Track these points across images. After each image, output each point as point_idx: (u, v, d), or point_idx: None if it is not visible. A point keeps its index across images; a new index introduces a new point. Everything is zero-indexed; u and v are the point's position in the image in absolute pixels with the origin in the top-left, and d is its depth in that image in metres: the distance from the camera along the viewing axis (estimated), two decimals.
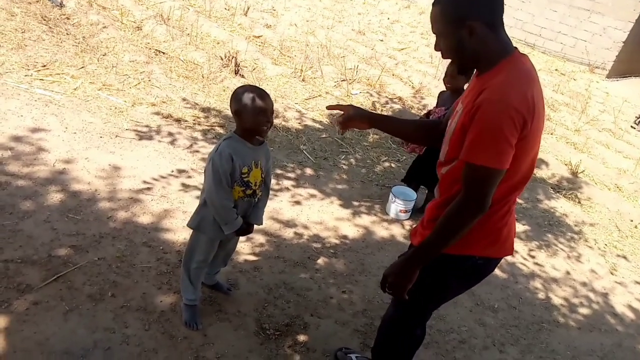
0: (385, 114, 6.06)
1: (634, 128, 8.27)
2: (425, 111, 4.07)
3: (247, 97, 2.15)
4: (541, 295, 3.68)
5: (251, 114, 2.15)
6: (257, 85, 5.62)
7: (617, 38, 11.10)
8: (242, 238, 3.24)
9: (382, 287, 1.88)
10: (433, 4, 1.66)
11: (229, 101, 2.24)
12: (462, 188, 1.65)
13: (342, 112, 2.05)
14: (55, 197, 3.21)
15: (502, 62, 1.63)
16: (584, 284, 3.96)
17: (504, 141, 1.53)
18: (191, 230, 2.44)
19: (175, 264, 2.92)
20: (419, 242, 1.83)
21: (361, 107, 2.14)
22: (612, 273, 4.23)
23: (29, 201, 3.11)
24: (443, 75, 3.39)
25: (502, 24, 1.67)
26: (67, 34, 5.49)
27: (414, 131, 2.19)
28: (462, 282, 1.97)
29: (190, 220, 2.40)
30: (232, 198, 2.26)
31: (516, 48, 1.69)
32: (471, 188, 1.62)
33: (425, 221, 1.90)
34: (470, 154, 1.59)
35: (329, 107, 2.12)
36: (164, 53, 5.91)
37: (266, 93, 2.20)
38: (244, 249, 3.25)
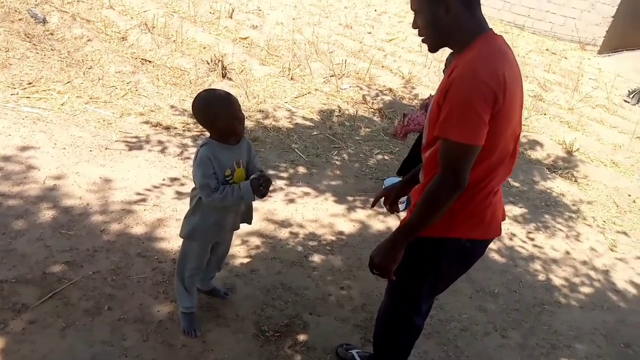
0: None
1: (628, 102, 8.24)
2: (426, 97, 4.05)
3: (211, 106, 2.13)
4: (541, 277, 3.67)
5: (223, 120, 2.13)
6: (244, 86, 5.62)
7: (606, 13, 11.05)
8: (236, 241, 3.24)
9: (370, 268, 1.90)
10: None
11: (194, 115, 2.22)
12: (439, 165, 1.66)
13: (384, 199, 2.26)
14: (47, 214, 3.21)
15: (476, 41, 1.66)
16: (584, 263, 3.95)
17: (475, 116, 1.55)
18: None
19: (171, 273, 2.91)
20: None
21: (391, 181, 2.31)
22: (612, 250, 4.22)
23: (21, 220, 3.10)
24: (443, 67, 3.41)
25: (479, 4, 1.70)
26: (52, 50, 5.48)
27: None
28: (452, 266, 1.96)
29: (181, 229, 2.40)
30: (227, 188, 2.21)
31: (491, 29, 1.71)
32: (447, 164, 1.64)
33: (413, 206, 1.90)
34: (442, 130, 1.61)
35: (373, 205, 2.35)
36: (150, 62, 5.90)
37: (226, 93, 2.18)
38: (240, 252, 3.24)
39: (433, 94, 3.90)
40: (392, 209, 2.25)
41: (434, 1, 1.64)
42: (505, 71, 1.59)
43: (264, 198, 2.41)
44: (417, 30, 1.76)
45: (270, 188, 3.89)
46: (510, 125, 1.70)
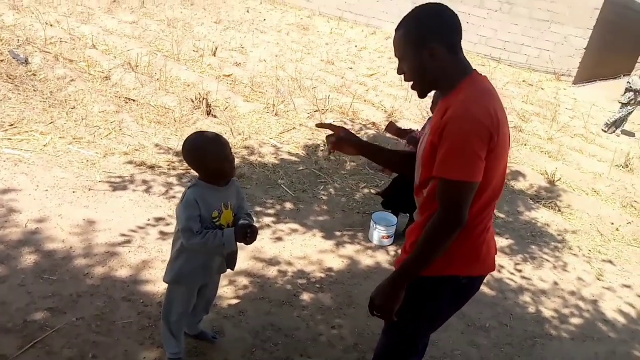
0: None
1: (605, 131, 8.44)
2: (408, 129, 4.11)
3: (202, 149, 2.13)
4: (531, 308, 3.66)
5: (213, 163, 2.13)
6: (229, 123, 5.64)
7: (578, 45, 11.43)
8: (223, 282, 3.19)
9: (369, 310, 1.87)
10: (396, 30, 1.76)
11: (184, 157, 2.22)
12: (438, 204, 1.68)
13: (334, 132, 2.09)
14: (28, 258, 3.13)
15: (462, 83, 1.71)
16: (572, 293, 3.96)
17: (473, 154, 1.59)
18: None
19: (157, 317, 2.83)
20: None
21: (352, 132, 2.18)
22: (599, 279, 4.24)
23: (1, 266, 3.01)
24: (430, 104, 3.49)
25: (461, 47, 1.75)
26: (34, 90, 5.45)
27: (401, 160, 2.21)
28: (450, 304, 1.96)
29: (165, 274, 2.35)
30: (208, 233, 2.18)
31: (475, 70, 1.75)
32: (447, 203, 1.66)
33: (407, 245, 1.91)
34: (442, 169, 1.63)
35: (319, 125, 2.16)
36: (134, 100, 5.90)
37: (217, 135, 2.18)
38: (227, 293, 3.18)
39: (416, 128, 3.96)
40: (332, 148, 2.10)
41: (418, 47, 1.68)
42: (496, 109, 1.65)
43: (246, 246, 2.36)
44: (402, 74, 1.79)
45: (257, 225, 3.87)
46: (503, 161, 1.74)
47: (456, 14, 1.72)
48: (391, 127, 3.89)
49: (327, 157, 4.72)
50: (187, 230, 2.13)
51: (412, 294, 1.80)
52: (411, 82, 1.80)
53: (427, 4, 1.72)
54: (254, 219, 3.98)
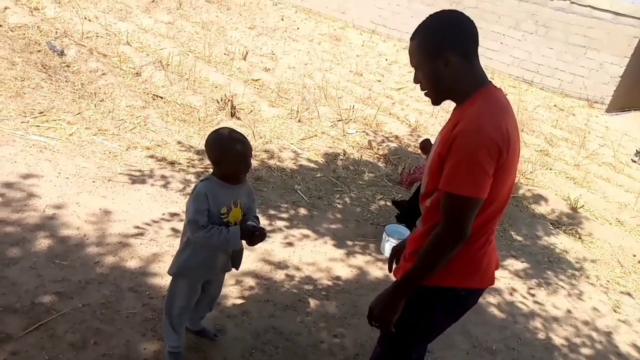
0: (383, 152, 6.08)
1: (635, 162, 8.23)
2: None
3: (226, 146, 2.16)
4: (541, 335, 3.57)
5: (232, 162, 2.16)
6: (252, 126, 5.69)
7: (613, 73, 11.19)
8: (229, 281, 3.20)
9: (368, 320, 1.86)
10: (411, 39, 1.75)
11: (205, 147, 2.24)
12: (442, 217, 1.67)
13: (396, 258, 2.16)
14: (43, 242, 3.19)
15: (477, 93, 1.70)
16: (586, 323, 3.85)
17: (480, 170, 1.57)
18: None
19: (161, 310, 2.83)
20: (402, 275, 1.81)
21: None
22: (615, 311, 4.11)
23: (16, 248, 3.09)
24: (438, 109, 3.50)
25: (477, 56, 1.73)
26: (66, 81, 5.60)
27: None
28: (446, 315, 1.94)
29: (170, 266, 2.37)
30: (213, 229, 2.19)
31: (491, 81, 1.73)
32: (451, 217, 1.64)
33: (407, 254, 1.89)
34: (448, 184, 1.62)
35: (391, 271, 2.18)
36: (161, 97, 6.01)
37: (243, 137, 2.20)
38: (233, 292, 3.19)
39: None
40: None
41: (433, 56, 1.68)
42: (508, 125, 1.63)
43: (253, 247, 2.37)
44: (419, 83, 1.79)
45: (270, 228, 3.88)
46: (511, 177, 1.73)
47: (472, 21, 1.70)
48: (427, 145, 3.94)
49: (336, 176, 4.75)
50: (193, 222, 2.15)
51: (408, 303, 1.78)
52: (426, 91, 1.79)
53: (442, 11, 1.71)
54: (267, 222, 4.02)
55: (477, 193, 1.59)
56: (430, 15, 1.71)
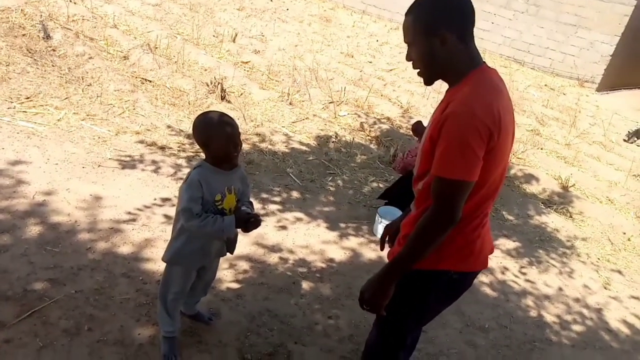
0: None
1: (626, 141, 8.27)
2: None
3: (212, 127, 2.13)
4: (533, 313, 3.61)
5: (220, 143, 2.13)
6: (242, 109, 5.64)
7: (604, 52, 11.19)
8: (223, 265, 3.19)
9: (359, 303, 1.86)
10: (406, 14, 1.70)
11: (192, 132, 2.21)
12: (432, 200, 1.65)
13: (388, 236, 2.16)
14: (33, 229, 3.17)
15: (470, 74, 1.67)
16: (577, 300, 3.90)
17: (470, 153, 1.55)
18: None
19: (155, 295, 2.84)
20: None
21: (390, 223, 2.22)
22: (605, 288, 4.16)
23: (6, 235, 3.06)
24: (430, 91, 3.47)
25: (473, 37, 1.70)
26: (53, 66, 5.50)
27: None
28: (440, 298, 1.94)
29: (164, 253, 2.36)
30: (208, 218, 2.18)
31: (485, 62, 1.70)
32: (441, 200, 1.63)
33: (401, 237, 1.88)
34: (439, 168, 1.60)
35: (382, 249, 2.19)
36: (150, 81, 5.93)
37: (230, 118, 2.18)
38: (227, 276, 3.19)
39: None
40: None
41: (429, 34, 1.64)
42: (500, 107, 1.59)
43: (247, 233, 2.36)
44: (411, 62, 1.75)
45: (263, 212, 3.87)
46: (503, 160, 1.70)
47: (470, 1, 1.67)
48: (419, 127, 3.88)
49: (329, 159, 4.66)
50: (187, 210, 2.13)
51: (402, 287, 1.78)
52: (418, 69, 1.76)
53: None
54: (260, 205, 4.01)
55: (468, 176, 1.57)
56: None
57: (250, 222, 2.23)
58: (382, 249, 2.20)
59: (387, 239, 2.19)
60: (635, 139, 8.32)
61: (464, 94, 1.60)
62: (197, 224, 2.14)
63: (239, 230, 2.30)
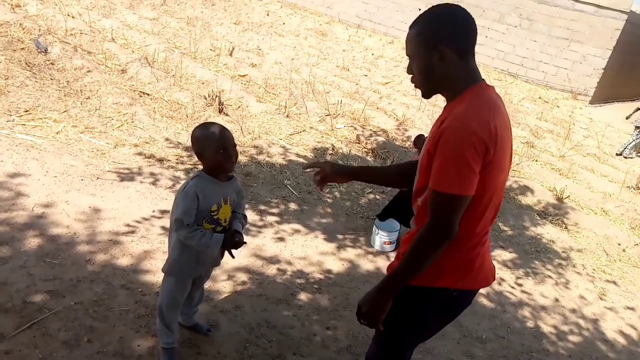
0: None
1: (619, 154, 8.35)
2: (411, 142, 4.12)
3: (206, 137, 2.17)
4: (530, 323, 3.63)
5: (214, 153, 2.16)
6: (240, 122, 5.68)
7: (597, 65, 11.35)
8: (222, 276, 3.21)
9: (357, 317, 1.86)
10: (410, 27, 1.73)
11: (190, 142, 2.25)
12: (429, 215, 1.65)
13: (319, 170, 2.10)
14: (32, 242, 3.17)
15: (468, 91, 1.68)
16: (573, 311, 3.92)
17: (466, 167, 1.56)
18: None
19: (154, 306, 2.85)
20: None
21: (339, 163, 2.18)
22: (601, 298, 4.19)
23: (6, 247, 3.06)
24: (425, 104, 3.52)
25: (473, 55, 1.72)
26: (51, 79, 5.54)
27: (396, 175, 2.17)
28: (439, 315, 1.93)
29: (164, 264, 2.38)
30: (197, 231, 2.21)
31: (483, 80, 1.73)
32: (437, 215, 1.63)
33: (401, 253, 1.88)
34: (435, 181, 1.61)
35: (305, 167, 2.20)
36: (148, 94, 5.97)
37: (224, 128, 2.21)
38: (225, 287, 3.20)
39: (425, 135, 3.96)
40: (319, 185, 2.14)
41: (429, 48, 1.66)
42: (496, 122, 1.60)
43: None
44: (411, 75, 1.78)
45: (261, 223, 3.90)
46: (501, 175, 1.70)
47: (473, 19, 1.69)
48: (420, 141, 3.89)
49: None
50: (179, 221, 2.18)
51: (401, 303, 1.77)
52: (417, 83, 1.79)
53: (445, 4, 1.69)
54: (258, 217, 4.03)
55: (464, 190, 1.57)
56: (435, 5, 1.69)
57: (236, 242, 2.29)
58: (304, 168, 2.23)
59: (314, 169, 2.14)
60: (634, 153, 8.37)
61: (460, 110, 1.62)
62: (185, 234, 2.18)
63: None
